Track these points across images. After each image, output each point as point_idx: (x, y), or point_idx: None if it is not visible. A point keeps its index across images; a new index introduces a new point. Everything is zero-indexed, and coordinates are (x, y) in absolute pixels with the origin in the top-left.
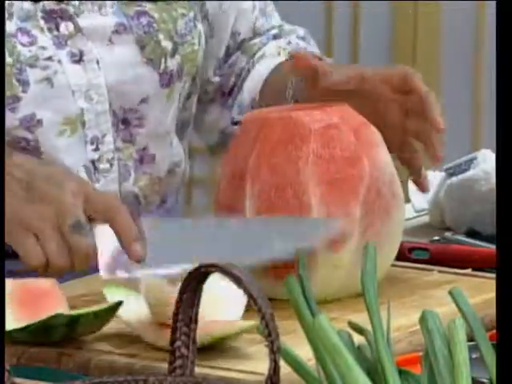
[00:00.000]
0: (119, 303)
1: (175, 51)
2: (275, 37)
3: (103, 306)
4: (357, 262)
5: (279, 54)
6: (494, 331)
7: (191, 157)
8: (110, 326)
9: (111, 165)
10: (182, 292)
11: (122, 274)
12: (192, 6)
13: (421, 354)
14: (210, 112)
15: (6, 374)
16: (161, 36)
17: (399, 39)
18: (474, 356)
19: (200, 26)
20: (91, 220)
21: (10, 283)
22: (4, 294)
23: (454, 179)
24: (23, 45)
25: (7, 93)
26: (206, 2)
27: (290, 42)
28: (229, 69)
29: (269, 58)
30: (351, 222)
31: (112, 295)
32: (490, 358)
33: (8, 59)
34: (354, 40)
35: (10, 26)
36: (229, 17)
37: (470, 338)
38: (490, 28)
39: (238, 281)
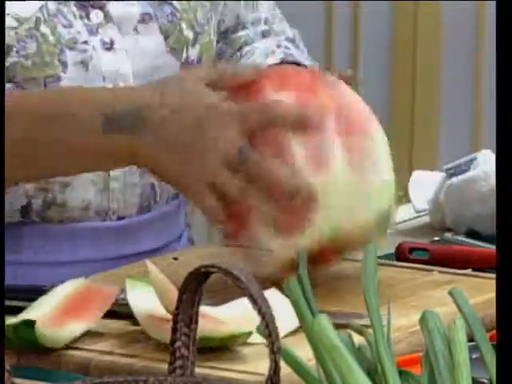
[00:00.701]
0: (34, 321)
1: (195, 41)
2: (264, 34)
3: (16, 320)
4: (347, 183)
5: (267, 57)
6: (495, 331)
7: None
8: (110, 327)
9: None
10: (182, 292)
11: None
12: None
13: (421, 354)
14: None
15: (6, 374)
16: (183, 25)
17: (399, 39)
18: (474, 356)
19: (214, 18)
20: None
21: (73, 285)
22: (4, 294)
23: (454, 180)
24: (63, 26)
25: (50, 71)
26: None
27: (279, 45)
28: None
29: (258, 58)
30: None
31: (132, 288)
32: (490, 358)
33: (50, 38)
34: (354, 40)
35: (52, 6)
36: (218, 5)
37: (470, 339)
38: (490, 28)
39: (238, 281)
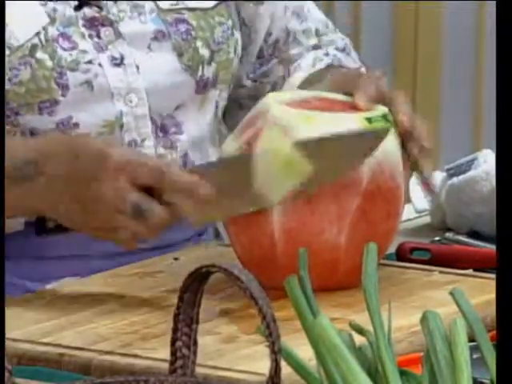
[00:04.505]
0: None
1: (212, 59)
2: (314, 48)
3: None
4: None
5: (314, 65)
6: (495, 332)
7: None
8: (110, 326)
9: None
10: (182, 292)
11: None
12: (231, 14)
13: (422, 354)
14: (241, 117)
15: (7, 374)
16: (199, 43)
17: (400, 39)
18: (475, 356)
19: (237, 35)
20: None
21: None
22: (4, 294)
23: (455, 180)
24: (64, 49)
25: (45, 96)
26: (242, 9)
27: (327, 54)
28: (264, 77)
29: (303, 70)
30: None
31: None
32: (491, 358)
33: (48, 63)
34: (354, 40)
35: (52, 31)
36: (262, 20)
37: (471, 339)
38: (491, 28)
39: (238, 280)
